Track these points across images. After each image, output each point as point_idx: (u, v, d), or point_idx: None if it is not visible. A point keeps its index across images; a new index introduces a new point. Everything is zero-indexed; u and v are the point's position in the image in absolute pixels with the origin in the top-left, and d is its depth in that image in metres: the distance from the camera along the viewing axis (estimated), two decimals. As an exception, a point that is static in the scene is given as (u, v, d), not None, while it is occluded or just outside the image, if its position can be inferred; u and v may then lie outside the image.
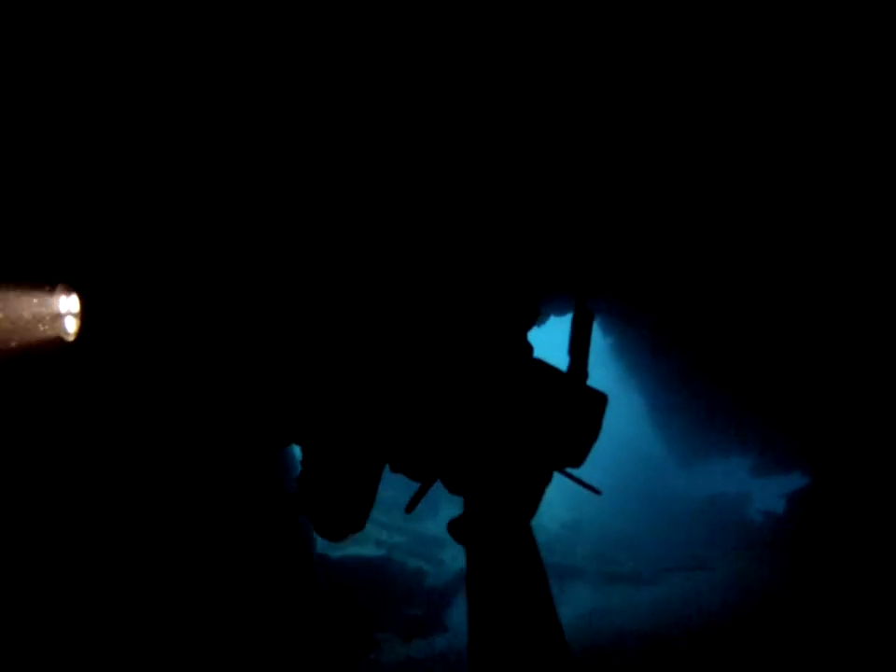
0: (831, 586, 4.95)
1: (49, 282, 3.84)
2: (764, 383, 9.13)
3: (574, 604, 6.52)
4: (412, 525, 8.63)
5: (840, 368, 7.77)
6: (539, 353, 2.98)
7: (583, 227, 7.47)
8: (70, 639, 4.44)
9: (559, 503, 13.92)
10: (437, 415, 2.64)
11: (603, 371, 15.49)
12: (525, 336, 2.97)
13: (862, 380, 7.58)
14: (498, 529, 2.55)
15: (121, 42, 4.36)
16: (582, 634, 5.13)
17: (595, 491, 2.72)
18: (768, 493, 10.32)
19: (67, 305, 3.64)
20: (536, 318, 2.95)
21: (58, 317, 3.73)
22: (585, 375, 2.77)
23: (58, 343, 3.67)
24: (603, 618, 5.51)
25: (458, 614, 6.73)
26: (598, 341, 12.78)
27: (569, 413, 2.57)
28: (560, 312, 10.43)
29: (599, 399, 2.56)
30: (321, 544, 6.44)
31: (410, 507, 2.82)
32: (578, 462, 2.78)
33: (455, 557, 8.48)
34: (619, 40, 5.47)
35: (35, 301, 3.77)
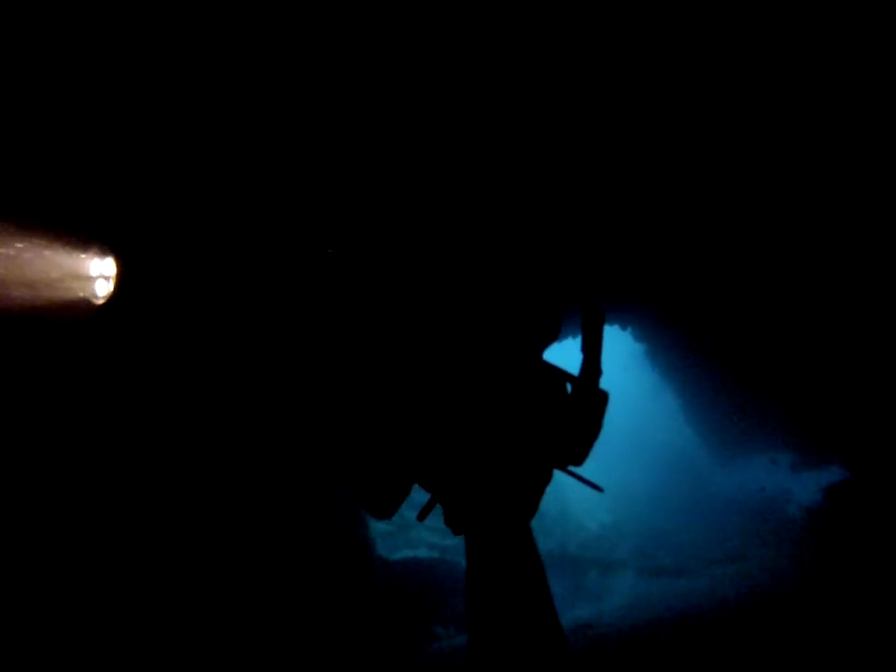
0: (860, 576, 5.23)
1: (83, 241, 3.70)
2: (799, 380, 9.20)
3: (619, 594, 6.89)
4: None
5: (875, 363, 7.82)
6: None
7: (607, 234, 7.45)
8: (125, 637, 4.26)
9: (599, 505, 14.21)
10: (448, 421, 2.57)
11: (637, 374, 15.70)
12: (539, 349, 2.81)
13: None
14: (499, 528, 2.52)
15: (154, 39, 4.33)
16: (621, 622, 5.57)
17: (597, 488, 2.83)
18: (810, 488, 10.45)
19: (100, 267, 3.46)
20: (556, 333, 2.90)
21: (89, 279, 3.52)
22: (599, 372, 2.78)
23: (86, 305, 3.52)
24: (642, 608, 5.91)
25: None
26: (630, 346, 13.01)
27: (571, 414, 2.65)
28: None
29: (601, 399, 2.70)
30: (379, 548, 6.92)
31: (421, 515, 2.70)
32: (579, 461, 2.76)
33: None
34: (636, 46, 5.41)
35: (66, 258, 3.59)
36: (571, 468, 2.84)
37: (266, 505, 5.42)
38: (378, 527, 7.48)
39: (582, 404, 2.64)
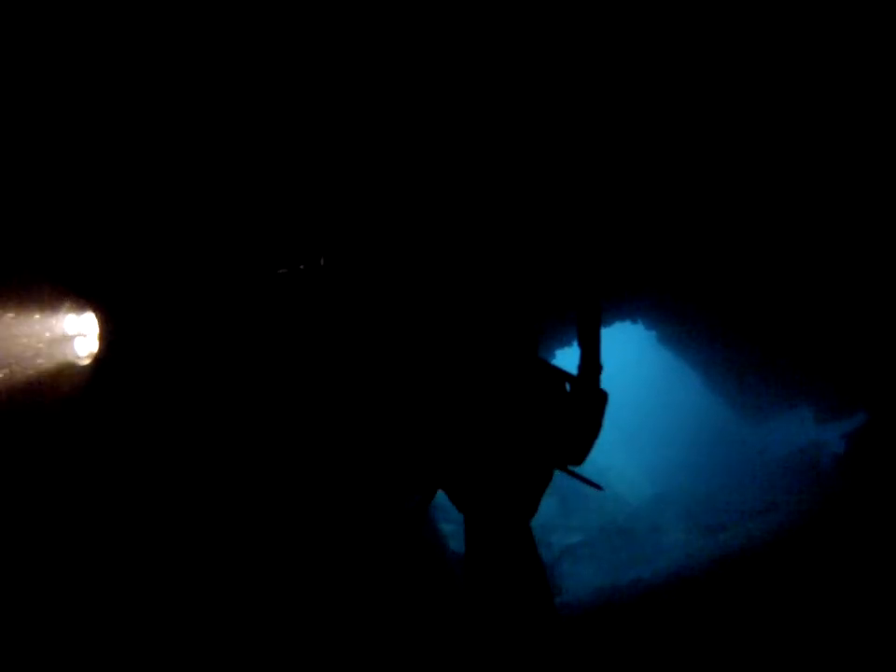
0: (880, 506, 5.95)
1: (56, 299, 3.36)
2: (814, 338, 9.61)
3: (668, 554, 7.63)
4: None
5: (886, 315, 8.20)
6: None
7: (607, 231, 7.60)
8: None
9: (642, 480, 14.94)
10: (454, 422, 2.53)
11: (654, 358, 16.30)
12: (533, 351, 2.76)
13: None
14: (500, 527, 2.53)
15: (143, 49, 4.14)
16: (667, 572, 6.46)
17: (598, 487, 2.83)
18: (835, 437, 10.99)
19: (77, 325, 3.13)
20: (538, 335, 2.87)
21: (67, 339, 3.21)
22: (599, 368, 2.69)
23: (69, 367, 3.22)
24: (689, 561, 6.69)
25: (562, 582, 7.95)
26: (642, 334, 13.63)
27: (570, 413, 2.60)
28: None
29: (600, 398, 2.64)
30: (452, 546, 7.64)
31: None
32: (579, 460, 2.72)
33: (559, 538, 9.76)
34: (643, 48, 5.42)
35: (39, 322, 3.25)
36: (571, 467, 2.88)
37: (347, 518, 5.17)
38: (446, 528, 8.13)
39: (581, 403, 2.64)
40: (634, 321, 12.05)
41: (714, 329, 11.00)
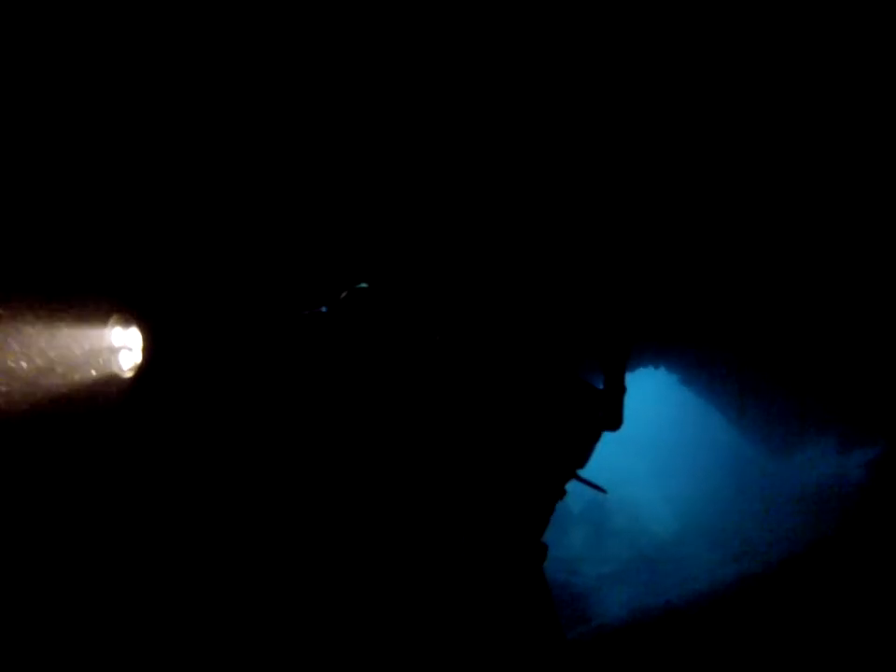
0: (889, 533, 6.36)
1: (103, 312, 3.40)
2: (832, 372, 9.98)
3: (696, 581, 8.02)
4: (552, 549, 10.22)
5: None
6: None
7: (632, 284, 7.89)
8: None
9: (667, 515, 15.23)
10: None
11: (677, 398, 16.75)
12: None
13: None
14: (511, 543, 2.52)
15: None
16: (693, 594, 7.01)
17: (602, 490, 2.80)
18: (856, 466, 11.27)
19: (123, 338, 3.05)
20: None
21: (112, 352, 3.17)
22: (623, 389, 2.75)
23: (113, 379, 3.17)
24: (711, 586, 7.20)
25: (597, 609, 8.33)
26: (665, 377, 14.19)
27: (573, 419, 2.63)
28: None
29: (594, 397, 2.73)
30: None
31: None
32: (582, 463, 2.74)
33: (591, 568, 10.15)
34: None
35: (86, 334, 3.28)
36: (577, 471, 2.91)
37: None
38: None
39: (595, 415, 2.70)
40: (656, 367, 12.56)
41: (734, 368, 11.44)
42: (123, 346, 2.90)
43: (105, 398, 3.55)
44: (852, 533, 7.09)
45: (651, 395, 19.16)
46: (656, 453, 19.97)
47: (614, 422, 2.65)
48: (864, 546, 6.33)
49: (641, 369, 11.75)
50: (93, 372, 3.29)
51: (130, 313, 3.04)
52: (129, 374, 2.72)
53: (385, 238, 5.22)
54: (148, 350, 2.80)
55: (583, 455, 2.65)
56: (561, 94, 5.49)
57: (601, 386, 2.78)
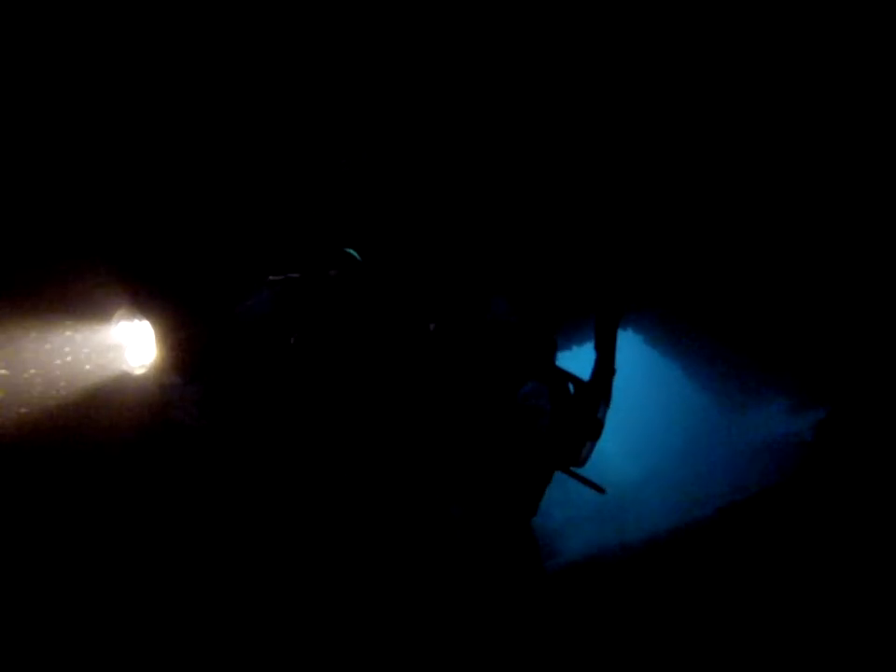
0: (834, 484, 7.31)
1: (108, 307, 3.10)
2: (787, 336, 10.60)
3: (652, 523, 9.01)
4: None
5: (850, 318, 9.10)
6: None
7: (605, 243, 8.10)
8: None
9: (630, 463, 16.33)
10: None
11: (642, 358, 17.64)
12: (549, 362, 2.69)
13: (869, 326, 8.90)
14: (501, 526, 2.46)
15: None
16: (647, 534, 7.92)
17: (600, 490, 2.86)
18: (806, 426, 12.24)
19: (129, 334, 2.75)
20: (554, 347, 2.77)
21: (118, 349, 2.85)
22: (612, 372, 2.78)
23: (121, 377, 2.90)
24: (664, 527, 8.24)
25: (563, 546, 9.33)
26: (631, 337, 15.01)
27: (574, 417, 2.59)
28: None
29: (605, 401, 2.69)
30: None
31: None
32: (580, 463, 2.72)
33: (559, 512, 11.19)
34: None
35: (91, 332, 3.06)
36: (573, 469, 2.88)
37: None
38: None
39: (586, 406, 2.64)
40: (624, 329, 13.30)
41: (696, 332, 12.13)
42: (130, 342, 2.58)
43: (117, 398, 3.38)
44: (795, 483, 8.07)
45: (618, 354, 19.91)
46: (620, 409, 20.93)
47: (604, 401, 2.69)
48: (804, 494, 7.29)
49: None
50: (101, 372, 3.09)
51: (138, 306, 2.72)
52: (139, 371, 2.45)
53: (379, 210, 4.97)
54: (160, 346, 2.45)
55: (577, 451, 2.58)
56: (547, 70, 5.50)
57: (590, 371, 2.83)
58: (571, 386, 2.74)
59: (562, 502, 11.77)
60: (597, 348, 2.78)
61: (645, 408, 21.02)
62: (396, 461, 2.33)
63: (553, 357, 2.74)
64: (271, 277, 2.37)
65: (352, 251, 2.33)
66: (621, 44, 5.54)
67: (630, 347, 17.27)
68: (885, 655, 4.06)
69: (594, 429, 2.60)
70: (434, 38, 5.02)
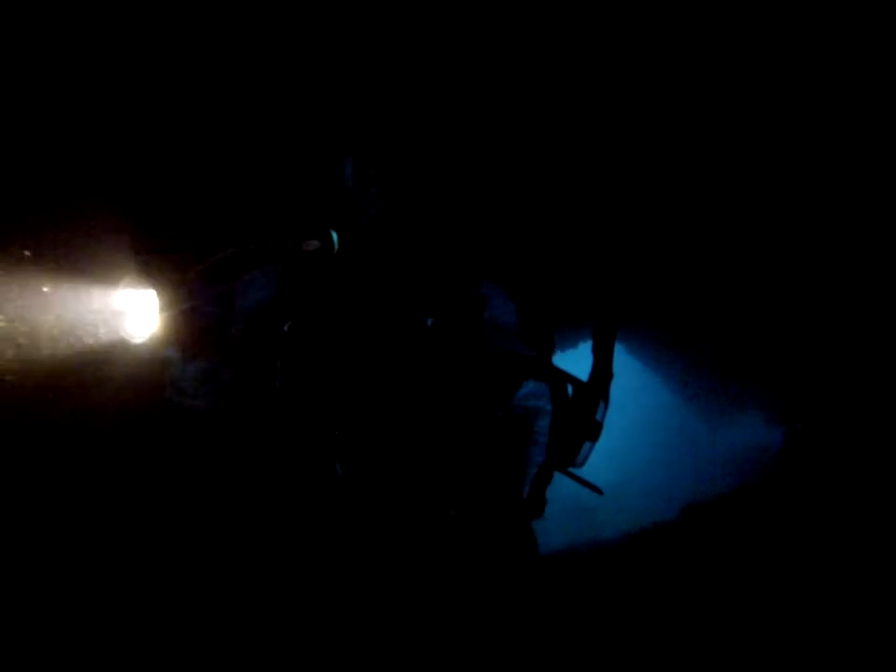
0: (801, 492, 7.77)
1: (112, 272, 2.74)
2: (766, 354, 10.92)
3: (618, 526, 9.51)
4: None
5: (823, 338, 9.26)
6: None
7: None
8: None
9: (606, 465, 16.75)
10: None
11: (624, 366, 18.16)
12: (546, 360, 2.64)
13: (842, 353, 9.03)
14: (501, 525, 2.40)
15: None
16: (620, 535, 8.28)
17: (598, 490, 2.86)
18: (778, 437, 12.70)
19: (132, 301, 2.42)
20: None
21: (121, 315, 2.50)
22: (610, 375, 2.77)
23: (121, 345, 2.57)
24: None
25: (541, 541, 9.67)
26: (617, 346, 15.49)
27: (573, 419, 2.59)
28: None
29: (603, 404, 2.68)
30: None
31: None
32: (579, 464, 2.72)
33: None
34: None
35: (96, 295, 2.81)
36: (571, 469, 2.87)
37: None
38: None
39: (585, 407, 2.61)
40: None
41: (677, 344, 12.55)
42: (131, 309, 2.36)
43: (113, 366, 3.27)
44: (766, 487, 8.58)
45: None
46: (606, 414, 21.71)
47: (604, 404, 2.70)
48: (773, 496, 7.78)
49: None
50: (98, 338, 2.89)
51: (144, 273, 2.44)
52: (139, 340, 2.24)
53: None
54: (165, 314, 2.23)
55: (576, 452, 2.57)
56: (548, 69, 5.43)
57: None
58: (570, 387, 2.70)
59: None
60: (595, 350, 2.76)
61: (624, 415, 21.54)
62: (391, 459, 2.23)
63: (551, 357, 2.69)
64: (251, 246, 2.22)
65: (332, 232, 2.15)
66: (623, 44, 5.50)
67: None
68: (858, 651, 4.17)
69: (593, 431, 2.58)
70: (432, 34, 4.89)
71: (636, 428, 19.39)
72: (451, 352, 2.21)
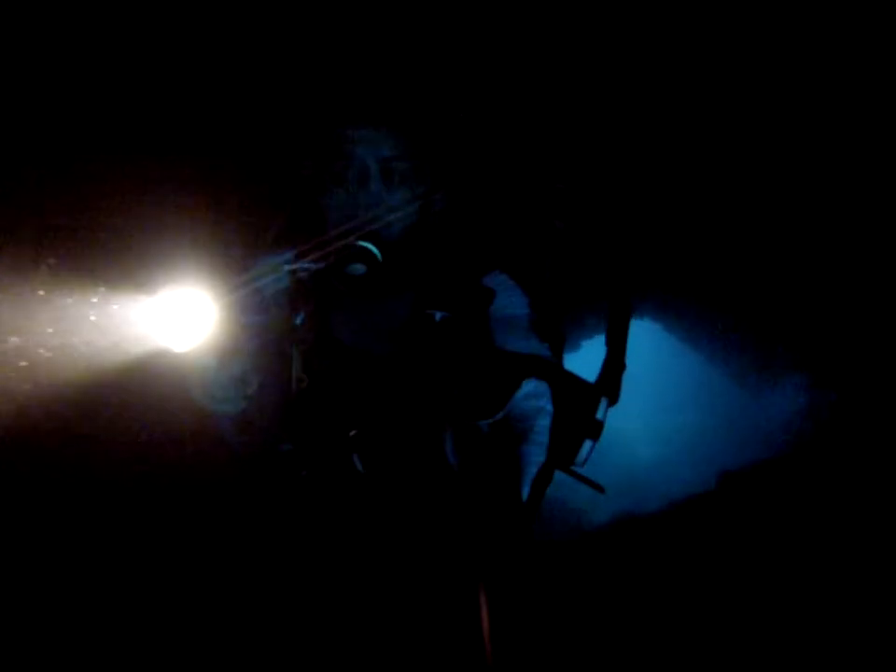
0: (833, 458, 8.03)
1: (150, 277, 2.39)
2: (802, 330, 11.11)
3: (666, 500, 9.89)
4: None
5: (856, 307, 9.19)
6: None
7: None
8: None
9: (654, 441, 17.13)
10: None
11: (661, 344, 18.40)
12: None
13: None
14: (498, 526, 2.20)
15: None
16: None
17: (599, 489, 2.78)
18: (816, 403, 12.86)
19: (173, 306, 2.12)
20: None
21: (160, 322, 2.18)
22: (622, 366, 2.70)
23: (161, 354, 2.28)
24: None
25: (589, 518, 10.20)
26: (648, 326, 15.67)
27: (574, 419, 2.55)
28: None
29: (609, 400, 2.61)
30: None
31: None
32: (582, 463, 2.64)
33: (586, 488, 12.03)
34: None
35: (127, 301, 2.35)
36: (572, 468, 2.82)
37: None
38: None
39: (585, 406, 2.56)
40: (641, 318, 13.79)
41: (713, 317, 12.68)
42: (173, 315, 2.10)
43: (155, 376, 2.87)
44: (799, 457, 8.84)
45: (637, 342, 20.76)
46: (644, 391, 22.29)
47: (612, 398, 2.62)
48: (807, 465, 8.06)
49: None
50: (134, 348, 2.52)
51: (184, 278, 2.17)
52: (182, 349, 2.06)
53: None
54: (209, 321, 2.04)
55: (577, 452, 2.50)
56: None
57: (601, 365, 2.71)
58: (572, 385, 2.62)
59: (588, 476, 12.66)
60: (608, 343, 2.69)
61: (666, 390, 21.85)
62: (393, 457, 2.20)
63: (560, 352, 2.64)
64: (287, 267, 2.17)
65: (370, 245, 2.08)
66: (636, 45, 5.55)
67: (648, 334, 18.02)
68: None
69: (594, 430, 2.53)
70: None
71: (674, 401, 19.76)
72: (456, 348, 2.13)
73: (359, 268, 2.02)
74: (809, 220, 8.41)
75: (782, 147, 7.30)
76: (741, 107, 6.64)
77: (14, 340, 3.14)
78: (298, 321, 2.15)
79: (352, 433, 2.14)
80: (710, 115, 6.75)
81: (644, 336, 20.10)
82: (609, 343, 2.68)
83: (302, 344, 2.13)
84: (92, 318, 3.03)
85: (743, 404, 15.20)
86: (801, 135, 6.99)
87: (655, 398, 21.84)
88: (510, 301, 2.28)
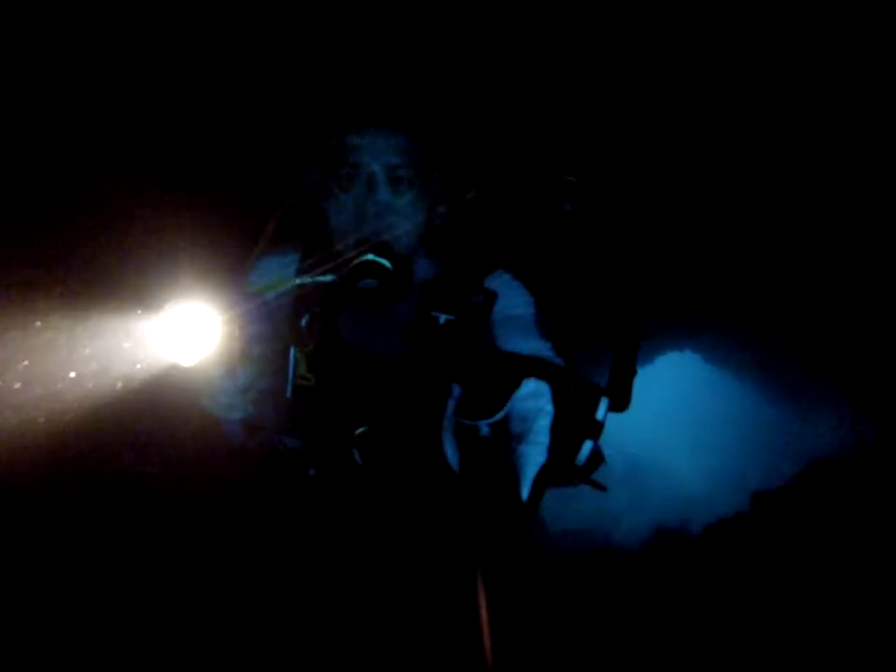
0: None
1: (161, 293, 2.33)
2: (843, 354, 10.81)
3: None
4: (597, 500, 11.89)
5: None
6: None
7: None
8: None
9: (699, 477, 17.22)
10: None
11: (705, 379, 18.63)
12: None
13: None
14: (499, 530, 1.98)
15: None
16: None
17: (601, 488, 2.76)
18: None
19: (180, 321, 2.11)
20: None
21: (168, 338, 2.18)
22: (633, 371, 2.55)
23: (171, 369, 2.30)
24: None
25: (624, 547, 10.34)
26: (689, 359, 15.92)
27: (574, 419, 2.49)
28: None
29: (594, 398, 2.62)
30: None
31: None
32: (581, 463, 2.63)
33: (628, 522, 12.37)
34: None
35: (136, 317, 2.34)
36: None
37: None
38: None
39: (584, 406, 2.47)
40: (682, 351, 14.24)
41: (751, 338, 12.62)
42: (180, 330, 2.09)
43: (166, 388, 2.87)
44: (831, 485, 9.05)
45: (675, 375, 21.42)
46: (685, 424, 22.58)
47: (620, 403, 2.55)
48: (838, 494, 8.23)
49: (670, 352, 13.35)
50: (145, 364, 2.51)
51: (192, 293, 2.14)
52: (189, 363, 2.06)
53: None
54: (216, 335, 2.03)
55: (577, 452, 2.43)
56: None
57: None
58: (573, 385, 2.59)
59: (633, 510, 12.90)
60: (617, 346, 2.59)
61: (709, 423, 21.93)
62: (394, 456, 2.20)
63: (567, 350, 2.62)
64: (297, 281, 2.22)
65: (381, 260, 2.10)
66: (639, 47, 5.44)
67: (688, 366, 18.30)
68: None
69: (593, 430, 2.46)
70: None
71: (711, 421, 19.92)
72: (460, 350, 2.13)
73: (372, 283, 2.01)
74: (856, 249, 8.01)
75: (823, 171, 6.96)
76: (767, 118, 6.40)
77: (25, 364, 3.16)
78: (302, 324, 2.15)
79: (358, 432, 2.15)
80: (736, 125, 6.54)
81: (683, 371, 20.43)
82: (617, 346, 2.56)
83: (305, 346, 2.13)
84: (101, 341, 2.93)
85: (781, 437, 15.29)
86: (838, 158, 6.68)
87: (699, 433, 21.99)
88: (512, 301, 2.24)
